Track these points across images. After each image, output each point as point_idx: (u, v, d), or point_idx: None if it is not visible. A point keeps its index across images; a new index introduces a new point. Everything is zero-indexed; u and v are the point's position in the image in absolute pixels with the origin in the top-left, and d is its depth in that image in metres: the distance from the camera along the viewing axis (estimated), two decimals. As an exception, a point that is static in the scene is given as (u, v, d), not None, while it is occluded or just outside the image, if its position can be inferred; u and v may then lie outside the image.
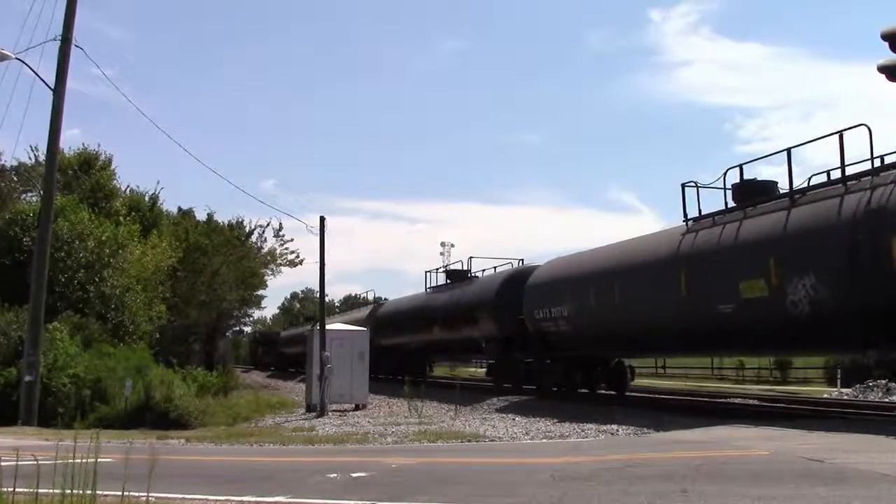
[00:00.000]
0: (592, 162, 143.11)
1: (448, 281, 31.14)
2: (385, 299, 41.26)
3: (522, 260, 27.53)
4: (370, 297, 46.20)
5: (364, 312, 39.32)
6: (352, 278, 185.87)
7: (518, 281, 22.85)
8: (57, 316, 21.20)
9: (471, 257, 30.69)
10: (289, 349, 55.89)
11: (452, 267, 33.47)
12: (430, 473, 8.16)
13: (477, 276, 28.46)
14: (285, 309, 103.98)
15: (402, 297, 38.02)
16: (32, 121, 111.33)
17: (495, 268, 27.49)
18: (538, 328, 20.87)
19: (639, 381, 33.12)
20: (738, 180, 15.18)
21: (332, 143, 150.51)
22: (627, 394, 20.99)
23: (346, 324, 29.20)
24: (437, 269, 33.23)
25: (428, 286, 32.83)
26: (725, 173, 15.23)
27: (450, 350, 32.18)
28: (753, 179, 15.19)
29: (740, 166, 15.25)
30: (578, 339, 19.44)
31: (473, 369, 50.62)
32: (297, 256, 43.11)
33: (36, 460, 4.89)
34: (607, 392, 21.12)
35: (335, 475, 7.75)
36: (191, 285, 35.84)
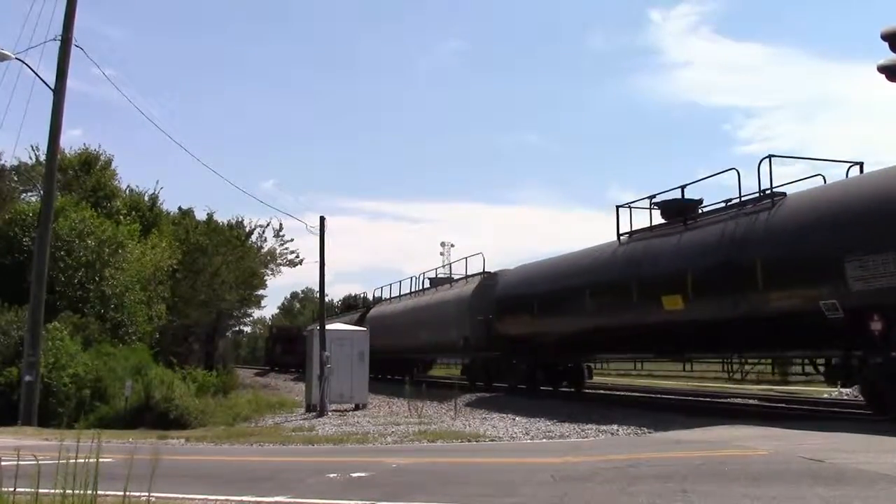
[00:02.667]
0: (592, 162, 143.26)
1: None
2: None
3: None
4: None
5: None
6: (352, 278, 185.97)
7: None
8: (57, 316, 21.20)
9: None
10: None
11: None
12: (430, 473, 8.16)
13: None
14: (285, 309, 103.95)
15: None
16: (32, 121, 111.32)
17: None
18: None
19: (638, 381, 33.17)
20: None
21: (332, 143, 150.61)
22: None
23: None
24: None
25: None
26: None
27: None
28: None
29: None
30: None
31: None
32: (297, 256, 43.20)
33: (37, 460, 4.89)
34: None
35: (335, 475, 7.76)
36: (191, 285, 35.84)
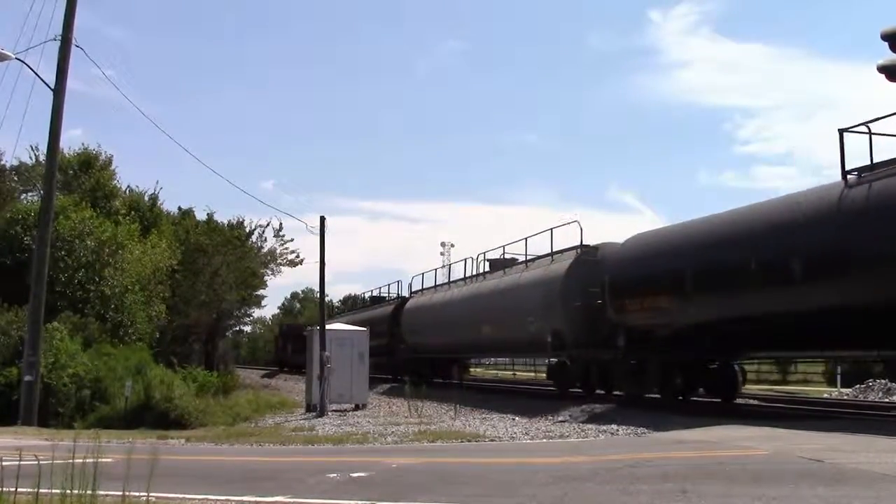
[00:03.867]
0: (592, 162, 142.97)
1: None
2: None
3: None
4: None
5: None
6: (352, 278, 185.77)
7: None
8: (57, 316, 21.19)
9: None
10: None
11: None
12: (430, 473, 8.16)
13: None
14: (285, 309, 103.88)
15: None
16: (32, 121, 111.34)
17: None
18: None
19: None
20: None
21: (332, 143, 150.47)
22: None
23: (359, 323, 29.04)
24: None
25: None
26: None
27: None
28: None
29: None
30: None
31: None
32: (297, 256, 43.09)
33: (38, 460, 4.89)
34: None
35: (335, 475, 7.76)
36: (191, 285, 35.81)
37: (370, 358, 23.91)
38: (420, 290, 35.70)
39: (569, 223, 22.53)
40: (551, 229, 22.83)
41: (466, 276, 29.97)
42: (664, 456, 8.61)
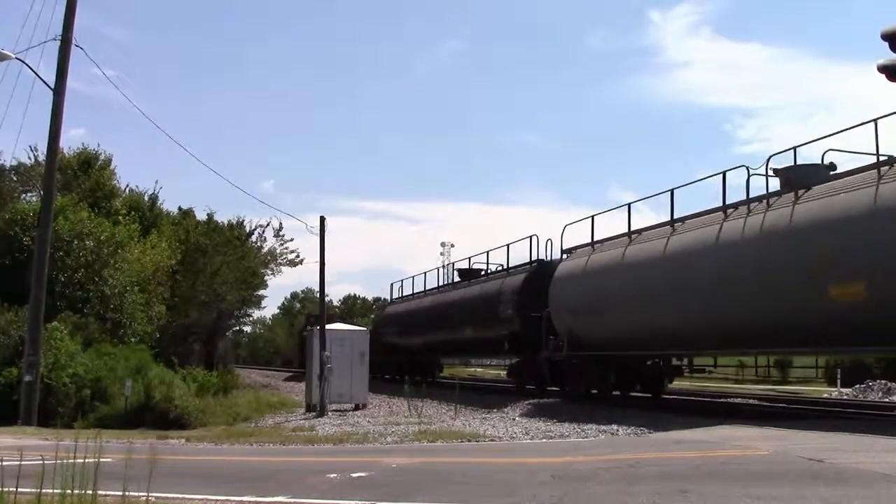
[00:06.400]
0: (592, 162, 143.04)
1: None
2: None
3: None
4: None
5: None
6: (352, 278, 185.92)
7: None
8: (57, 316, 21.19)
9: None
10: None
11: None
12: (430, 473, 8.15)
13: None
14: (285, 309, 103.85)
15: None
16: (32, 121, 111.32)
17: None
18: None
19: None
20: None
21: (332, 143, 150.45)
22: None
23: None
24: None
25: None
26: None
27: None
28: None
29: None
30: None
31: (477, 370, 49.89)
32: (298, 256, 43.08)
33: (42, 460, 4.89)
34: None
35: (335, 475, 7.75)
36: (191, 285, 35.79)
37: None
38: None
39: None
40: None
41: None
42: (664, 456, 8.61)
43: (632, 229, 18.49)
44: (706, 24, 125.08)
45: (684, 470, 7.07)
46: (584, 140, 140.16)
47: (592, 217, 20.44)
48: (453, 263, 33.00)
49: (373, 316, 38.54)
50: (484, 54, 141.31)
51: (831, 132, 14.02)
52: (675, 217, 17.14)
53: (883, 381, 25.30)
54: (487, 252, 29.12)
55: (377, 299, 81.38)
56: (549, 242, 23.95)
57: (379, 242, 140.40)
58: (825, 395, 24.18)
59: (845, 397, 23.40)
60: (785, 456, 7.95)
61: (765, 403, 20.17)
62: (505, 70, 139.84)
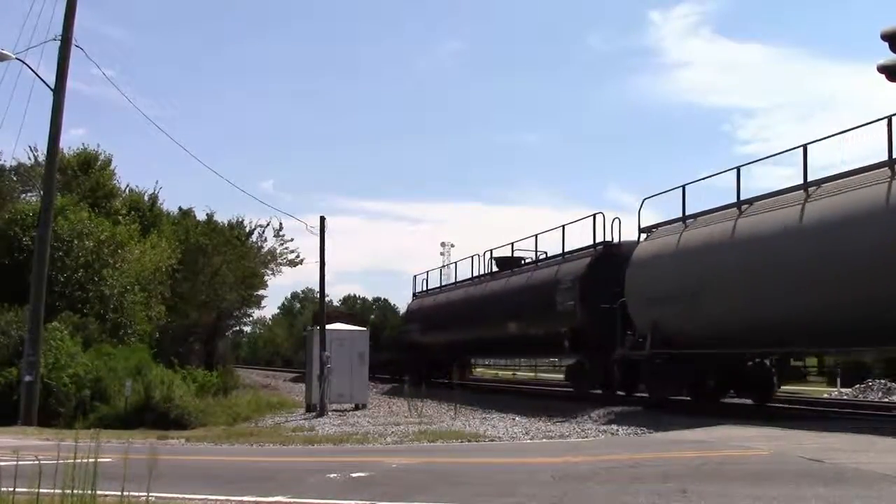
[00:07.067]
0: (592, 162, 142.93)
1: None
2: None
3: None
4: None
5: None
6: (352, 278, 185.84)
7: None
8: (56, 316, 21.18)
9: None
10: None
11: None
12: (430, 473, 8.15)
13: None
14: (285, 309, 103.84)
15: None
16: (32, 121, 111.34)
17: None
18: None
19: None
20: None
21: (331, 143, 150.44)
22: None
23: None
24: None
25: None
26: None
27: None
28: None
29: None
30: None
31: (499, 372, 46.89)
32: (298, 256, 43.05)
33: (39, 460, 4.89)
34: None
35: (335, 475, 7.76)
36: (191, 285, 35.80)
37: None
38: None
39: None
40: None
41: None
42: (664, 456, 8.61)
43: (741, 199, 15.16)
44: (706, 24, 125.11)
45: (684, 470, 7.07)
46: (583, 140, 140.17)
47: (683, 187, 16.75)
48: (491, 251, 28.58)
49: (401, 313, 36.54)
50: (484, 54, 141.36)
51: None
52: (808, 180, 13.68)
53: (883, 381, 25.28)
54: (536, 236, 25.37)
55: (377, 299, 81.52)
56: (615, 222, 20.71)
57: (379, 242, 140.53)
58: (825, 395, 24.17)
59: (845, 397, 23.39)
60: (784, 456, 7.95)
61: (765, 403, 20.13)
62: (505, 70, 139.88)
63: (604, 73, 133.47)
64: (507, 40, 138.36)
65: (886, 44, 9.64)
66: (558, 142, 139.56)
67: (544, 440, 12.82)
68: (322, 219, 22.54)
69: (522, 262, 26.24)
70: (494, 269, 28.15)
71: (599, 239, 20.95)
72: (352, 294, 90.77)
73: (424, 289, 35.79)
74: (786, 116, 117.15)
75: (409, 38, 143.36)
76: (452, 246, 70.08)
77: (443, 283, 33.41)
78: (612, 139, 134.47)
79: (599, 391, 19.95)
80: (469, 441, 12.68)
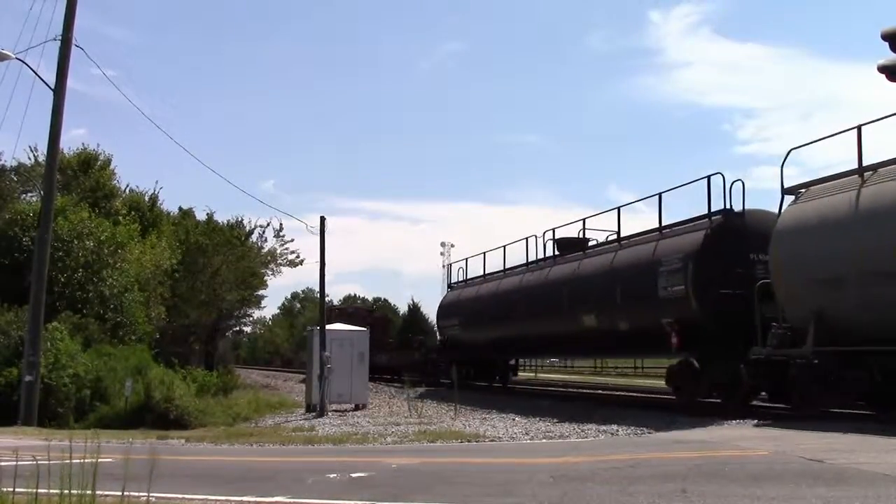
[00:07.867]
0: (592, 162, 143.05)
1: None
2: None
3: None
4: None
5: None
6: (352, 278, 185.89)
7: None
8: (56, 316, 21.18)
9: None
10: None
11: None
12: (430, 473, 8.15)
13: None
14: (285, 309, 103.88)
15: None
16: (32, 121, 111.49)
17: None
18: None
19: (642, 382, 32.98)
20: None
21: (331, 143, 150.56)
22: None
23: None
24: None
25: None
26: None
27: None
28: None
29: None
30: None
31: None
32: (298, 256, 43.09)
33: (36, 461, 4.88)
34: None
35: (335, 475, 7.75)
36: (191, 285, 35.81)
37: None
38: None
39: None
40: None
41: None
42: (664, 456, 8.60)
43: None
44: (706, 24, 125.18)
45: (684, 470, 7.07)
46: (583, 140, 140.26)
47: (859, 127, 12.52)
48: (545, 232, 24.03)
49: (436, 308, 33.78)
50: (484, 54, 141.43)
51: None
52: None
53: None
54: (618, 208, 20.51)
55: (377, 299, 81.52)
56: (737, 184, 16.32)
57: (379, 242, 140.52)
58: None
59: None
60: (784, 456, 7.95)
61: (765, 403, 20.11)
62: (505, 70, 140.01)
63: (604, 73, 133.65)
64: (507, 41, 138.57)
65: (886, 44, 9.64)
66: (558, 142, 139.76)
67: (544, 440, 12.81)
68: (322, 219, 22.55)
69: (590, 243, 21.95)
70: (552, 253, 23.58)
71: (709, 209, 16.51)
72: (352, 294, 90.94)
73: (463, 279, 30.95)
74: (786, 116, 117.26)
75: (409, 39, 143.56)
76: (452, 246, 70.09)
77: (486, 273, 28.44)
78: (612, 139, 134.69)
79: (717, 399, 15.78)
80: (469, 441, 12.68)
